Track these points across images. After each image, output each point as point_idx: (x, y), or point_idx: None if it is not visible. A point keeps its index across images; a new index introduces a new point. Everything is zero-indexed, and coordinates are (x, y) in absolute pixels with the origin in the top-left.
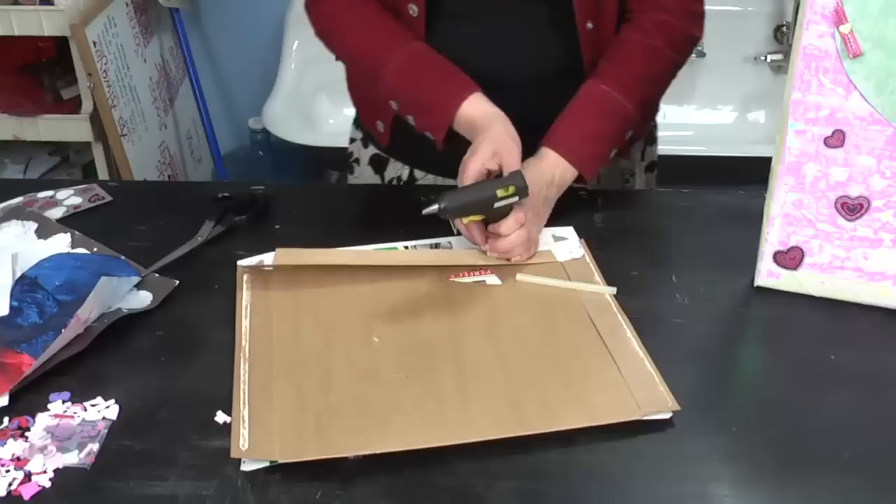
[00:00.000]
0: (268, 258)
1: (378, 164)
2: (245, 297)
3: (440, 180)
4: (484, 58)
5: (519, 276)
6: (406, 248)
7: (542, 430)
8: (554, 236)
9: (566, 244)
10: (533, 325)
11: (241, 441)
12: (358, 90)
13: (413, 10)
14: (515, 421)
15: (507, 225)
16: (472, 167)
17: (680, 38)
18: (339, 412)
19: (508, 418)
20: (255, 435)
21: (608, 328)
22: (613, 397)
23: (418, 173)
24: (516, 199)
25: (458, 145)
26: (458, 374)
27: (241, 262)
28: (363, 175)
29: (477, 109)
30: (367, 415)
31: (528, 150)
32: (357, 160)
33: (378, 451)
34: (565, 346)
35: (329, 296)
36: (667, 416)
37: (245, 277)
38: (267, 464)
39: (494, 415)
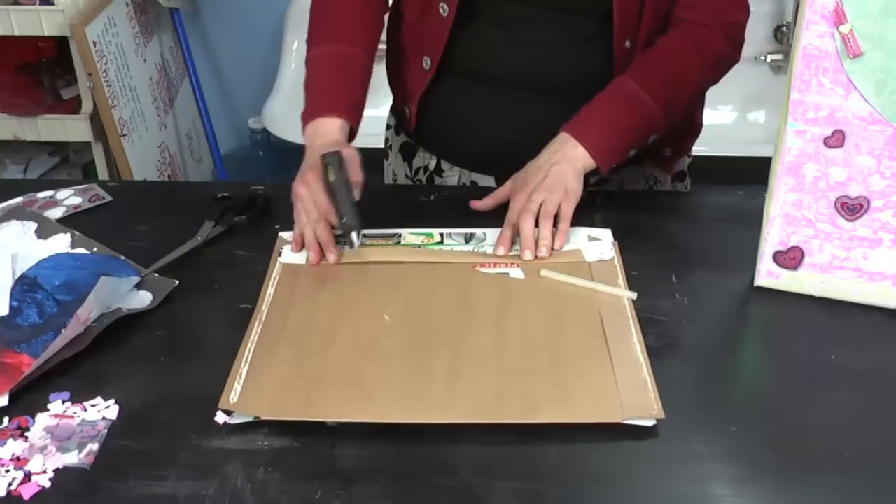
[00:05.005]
0: None
1: (407, 153)
2: (276, 268)
3: (465, 173)
4: (514, 62)
5: (543, 272)
6: (441, 234)
7: (520, 421)
8: (589, 236)
9: (598, 245)
10: (541, 321)
11: (232, 395)
12: (393, 74)
13: (444, 9)
14: (495, 409)
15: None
16: (321, 198)
17: (710, 49)
18: (330, 381)
19: (489, 406)
20: (247, 391)
21: (616, 331)
22: (599, 398)
23: (445, 164)
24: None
25: (481, 142)
26: (453, 359)
27: (283, 234)
28: (395, 163)
29: (330, 133)
30: (355, 386)
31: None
32: (391, 146)
33: (356, 421)
34: (568, 344)
35: (355, 272)
36: (650, 423)
37: (282, 247)
38: (251, 419)
39: (476, 401)
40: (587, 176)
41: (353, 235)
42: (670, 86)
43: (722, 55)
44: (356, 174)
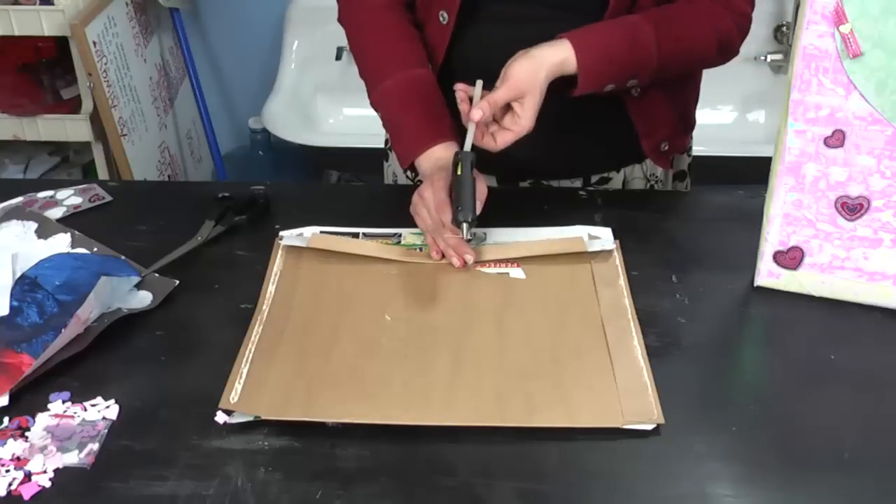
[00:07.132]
0: (307, 231)
1: None
2: (277, 265)
3: None
4: None
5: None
6: None
7: (521, 425)
8: (589, 235)
9: (599, 243)
10: (543, 323)
11: (233, 394)
12: None
13: (443, 16)
14: (495, 412)
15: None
16: (441, 196)
17: (721, 26)
18: (331, 381)
19: (489, 408)
20: (248, 390)
21: (617, 334)
22: (599, 402)
23: None
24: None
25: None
26: (454, 360)
27: (283, 233)
28: (395, 163)
29: (447, 156)
30: (356, 386)
31: (553, 157)
32: (391, 148)
33: (356, 422)
34: (569, 346)
35: (356, 271)
36: (649, 427)
37: (281, 245)
38: (251, 418)
39: (477, 403)
40: (588, 176)
41: (465, 227)
42: (677, 40)
43: (730, 36)
44: (481, 184)
